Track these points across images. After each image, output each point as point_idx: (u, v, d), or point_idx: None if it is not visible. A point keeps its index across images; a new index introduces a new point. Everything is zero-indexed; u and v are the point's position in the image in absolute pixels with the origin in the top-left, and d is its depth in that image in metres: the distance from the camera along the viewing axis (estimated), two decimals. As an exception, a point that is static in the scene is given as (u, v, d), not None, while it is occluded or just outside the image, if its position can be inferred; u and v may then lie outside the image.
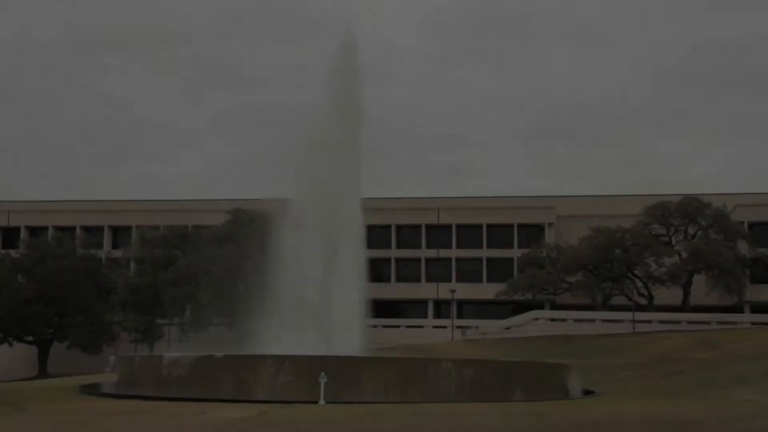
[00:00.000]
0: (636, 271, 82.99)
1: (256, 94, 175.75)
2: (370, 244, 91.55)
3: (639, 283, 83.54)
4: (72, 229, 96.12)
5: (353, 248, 35.38)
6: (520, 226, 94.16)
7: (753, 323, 78.74)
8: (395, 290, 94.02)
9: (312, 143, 36.82)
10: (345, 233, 35.29)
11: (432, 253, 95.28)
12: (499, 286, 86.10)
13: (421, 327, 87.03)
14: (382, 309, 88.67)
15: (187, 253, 78.70)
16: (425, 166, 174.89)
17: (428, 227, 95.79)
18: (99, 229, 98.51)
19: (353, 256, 35.21)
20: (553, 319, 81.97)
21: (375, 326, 71.71)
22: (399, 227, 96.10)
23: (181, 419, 16.98)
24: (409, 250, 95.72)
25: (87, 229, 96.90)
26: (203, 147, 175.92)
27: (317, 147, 36.63)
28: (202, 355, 29.06)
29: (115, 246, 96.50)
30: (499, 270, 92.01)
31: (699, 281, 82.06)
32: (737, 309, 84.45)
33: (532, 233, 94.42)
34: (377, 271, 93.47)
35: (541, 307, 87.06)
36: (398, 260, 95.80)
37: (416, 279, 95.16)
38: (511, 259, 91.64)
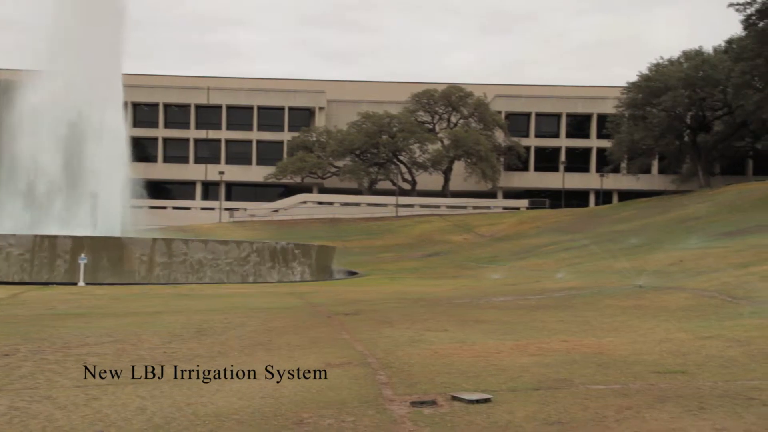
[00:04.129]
0: (401, 157, 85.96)
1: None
2: (136, 122, 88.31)
3: (404, 169, 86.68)
4: None
5: (114, 125, 33.96)
6: (291, 109, 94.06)
7: (504, 208, 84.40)
8: (162, 171, 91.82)
9: (69, 12, 34.44)
10: (105, 110, 33.71)
11: (201, 133, 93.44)
12: (269, 169, 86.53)
13: (188, 209, 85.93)
14: (148, 189, 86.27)
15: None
16: (195, 46, 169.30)
17: (198, 107, 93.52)
18: None
19: (114, 134, 33.84)
20: (320, 203, 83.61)
21: (140, 207, 69.91)
22: (167, 106, 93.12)
23: None
24: (178, 129, 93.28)
25: None
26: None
27: (75, 16, 34.33)
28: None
29: None
30: (268, 153, 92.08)
31: (458, 168, 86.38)
32: (491, 195, 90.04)
33: (303, 117, 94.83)
34: (143, 151, 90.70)
35: (309, 190, 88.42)
36: (166, 140, 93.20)
37: (184, 160, 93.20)
38: (281, 142, 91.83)
